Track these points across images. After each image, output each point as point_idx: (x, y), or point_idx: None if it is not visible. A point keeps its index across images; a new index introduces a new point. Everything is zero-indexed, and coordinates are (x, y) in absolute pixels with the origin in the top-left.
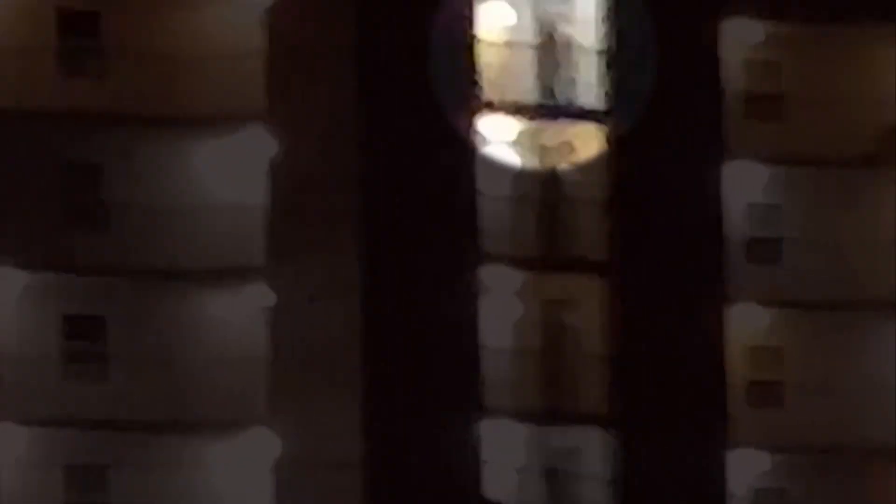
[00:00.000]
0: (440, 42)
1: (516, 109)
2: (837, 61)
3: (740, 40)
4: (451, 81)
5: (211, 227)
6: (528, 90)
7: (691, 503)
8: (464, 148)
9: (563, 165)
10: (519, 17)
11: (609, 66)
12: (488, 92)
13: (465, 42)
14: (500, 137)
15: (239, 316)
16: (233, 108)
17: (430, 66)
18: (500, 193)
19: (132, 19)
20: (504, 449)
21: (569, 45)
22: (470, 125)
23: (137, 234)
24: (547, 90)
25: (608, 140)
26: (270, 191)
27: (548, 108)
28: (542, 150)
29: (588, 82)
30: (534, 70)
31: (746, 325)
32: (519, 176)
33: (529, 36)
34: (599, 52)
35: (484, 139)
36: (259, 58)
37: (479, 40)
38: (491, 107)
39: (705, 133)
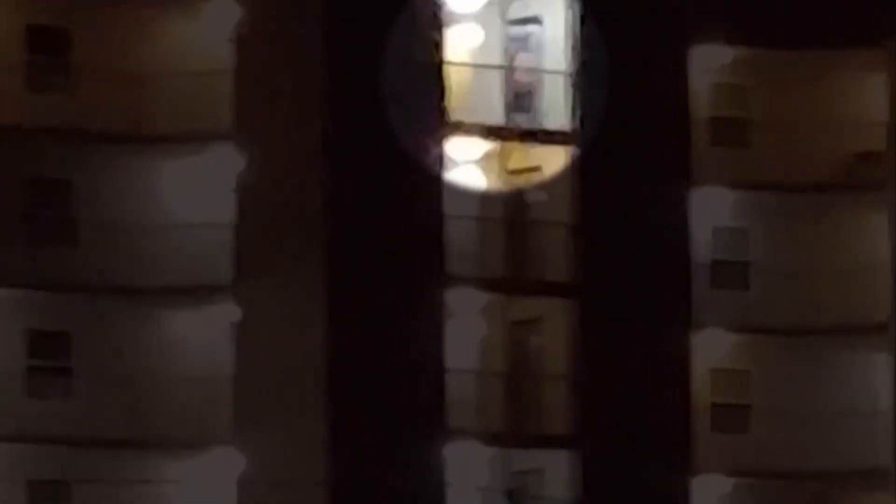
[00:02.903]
0: (407, 63)
1: (483, 131)
2: (803, 87)
3: (707, 65)
4: (418, 102)
5: (178, 245)
6: (494, 112)
7: None
8: (430, 169)
9: (529, 187)
10: (486, 39)
11: (575, 88)
12: (455, 113)
13: (432, 63)
14: (466, 159)
15: (204, 334)
16: (201, 126)
17: (398, 86)
18: (465, 214)
19: (101, 36)
20: (468, 470)
21: (535, 67)
22: (436, 146)
23: (104, 251)
24: (513, 112)
25: (574, 162)
26: (237, 209)
27: (514, 129)
28: (508, 172)
29: (554, 104)
30: (500, 92)
31: (711, 348)
32: (485, 198)
33: (496, 58)
34: (566, 75)
35: (450, 160)
36: (227, 76)
37: (446, 62)
38: (457, 128)
39: (671, 157)
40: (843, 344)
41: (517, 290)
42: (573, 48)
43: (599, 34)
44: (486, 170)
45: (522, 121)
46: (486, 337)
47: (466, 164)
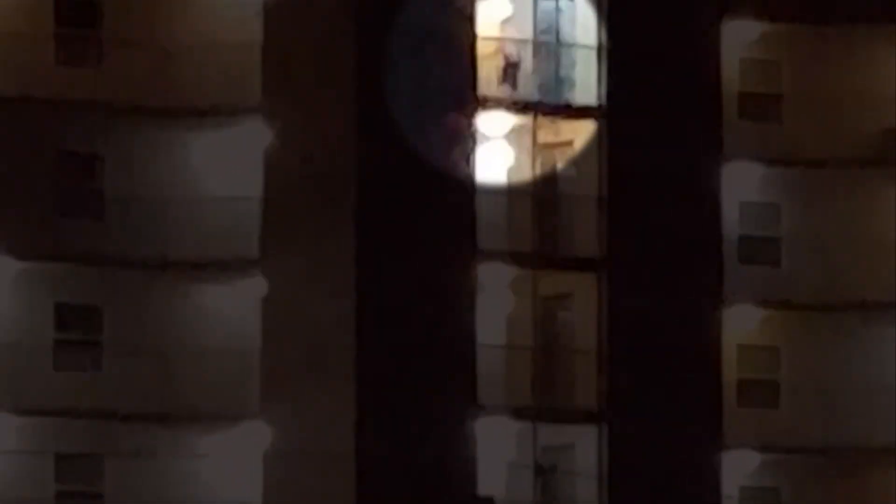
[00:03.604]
0: (437, 37)
1: (514, 105)
2: (833, 61)
3: (737, 40)
4: (448, 76)
5: (206, 218)
6: (525, 86)
7: (683, 500)
8: (460, 143)
9: (559, 162)
10: (517, 14)
11: (606, 63)
12: (485, 87)
13: (462, 37)
14: (496, 133)
15: (233, 307)
16: (229, 100)
17: (427, 60)
18: (495, 189)
19: (131, 9)
20: (496, 444)
21: (566, 41)
22: (467, 121)
23: (133, 224)
24: (544, 87)
25: (604, 137)
26: (266, 182)
27: (545, 104)
28: (539, 147)
29: (585, 79)
30: (531, 67)
31: (741, 324)
32: (515, 172)
33: (527, 32)
34: (597, 49)
35: (480, 135)
36: (256, 49)
37: (477, 36)
38: (488, 102)
39: (701, 132)
40: (873, 319)
41: (547, 264)
42: (603, 22)
43: (630, 9)
44: (515, 144)
45: (553, 95)
46: (515, 311)
47: (496, 138)
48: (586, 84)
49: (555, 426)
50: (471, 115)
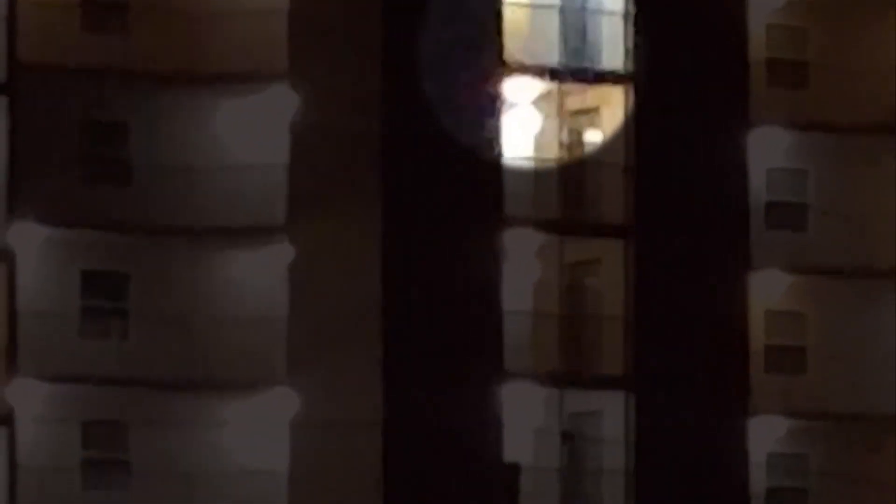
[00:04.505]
0: (464, 3)
1: (540, 72)
2: (860, 28)
3: (765, 6)
4: (475, 43)
5: (233, 185)
6: (552, 52)
7: (711, 467)
8: (487, 111)
9: (586, 128)
10: None
11: (633, 29)
12: (512, 54)
13: (489, 3)
14: (523, 100)
15: (260, 275)
16: (256, 66)
17: (454, 26)
18: (522, 156)
19: None
20: (523, 411)
21: (593, 7)
22: (494, 87)
23: (159, 192)
24: (571, 52)
25: (631, 103)
26: (292, 149)
27: (572, 70)
28: (566, 113)
29: (612, 45)
30: (558, 32)
31: (768, 289)
32: (541, 139)
33: None
34: (624, 15)
35: (507, 101)
36: (282, 16)
37: (503, 2)
38: (515, 69)
39: (728, 97)
40: None
41: (573, 231)
42: None
43: None
44: (542, 111)
45: (580, 61)
46: (541, 278)
47: (524, 104)
48: (613, 51)
49: (581, 393)
50: (497, 82)
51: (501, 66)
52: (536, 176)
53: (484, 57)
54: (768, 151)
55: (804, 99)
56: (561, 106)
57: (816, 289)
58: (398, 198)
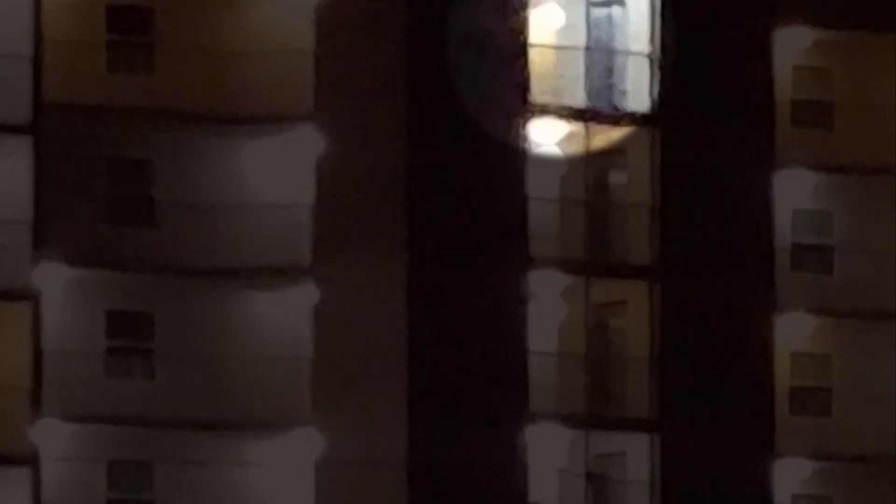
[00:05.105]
0: (490, 44)
1: (566, 113)
2: (885, 69)
3: (789, 47)
4: (501, 84)
5: (258, 226)
6: (577, 94)
7: None
8: (512, 150)
9: (611, 169)
10: (568, 21)
11: (658, 70)
12: (538, 95)
13: (515, 45)
14: (548, 140)
15: (285, 314)
16: (281, 107)
17: (480, 68)
18: (547, 197)
19: (183, 15)
20: (548, 452)
21: (619, 49)
22: (519, 128)
23: (184, 231)
24: (596, 93)
25: (657, 144)
26: (317, 190)
27: (597, 111)
28: (591, 154)
29: (638, 87)
30: (584, 73)
31: (793, 332)
32: (567, 179)
33: (580, 39)
34: (649, 57)
35: (533, 142)
36: (308, 56)
37: (530, 43)
38: (540, 110)
39: (754, 139)
40: None
41: (599, 272)
42: (656, 30)
43: (682, 16)
44: (568, 151)
45: (606, 103)
46: (567, 319)
47: (549, 145)
48: (639, 92)
49: (607, 434)
50: (523, 123)
51: (527, 107)
52: (562, 217)
53: (510, 98)
54: (794, 193)
55: (829, 140)
56: (586, 147)
57: (842, 331)
58: (424, 238)
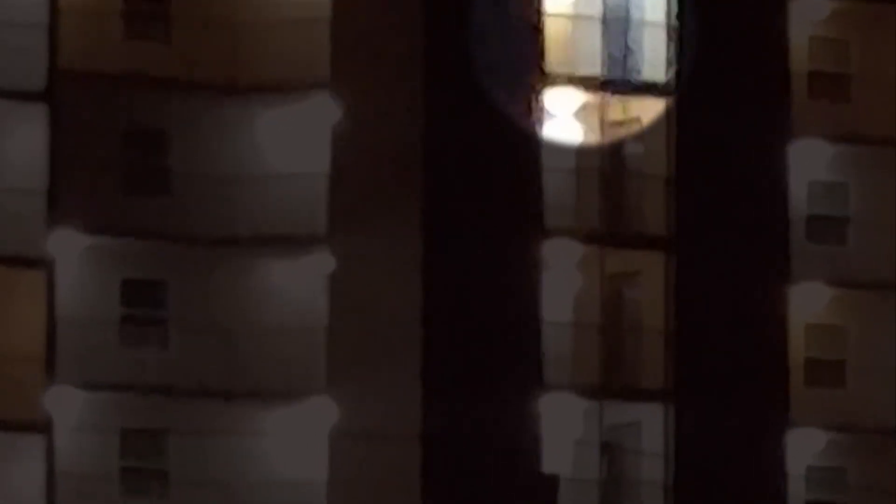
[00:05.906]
0: (506, 14)
1: (581, 83)
2: None
3: (806, 18)
4: (516, 54)
5: (273, 195)
6: (593, 63)
7: (749, 480)
8: (528, 120)
9: (627, 139)
10: None
11: (674, 40)
12: (553, 65)
13: (530, 15)
14: (564, 111)
15: (300, 284)
16: (297, 75)
17: (496, 37)
18: (563, 167)
19: None
20: (562, 422)
21: (636, 18)
22: (534, 98)
23: (199, 201)
24: (612, 63)
25: (672, 114)
26: (333, 159)
27: (613, 81)
28: (607, 124)
29: (654, 56)
30: (600, 43)
31: (808, 303)
32: (582, 150)
33: (596, 9)
34: (666, 26)
35: (548, 112)
36: (324, 25)
37: (545, 13)
38: (555, 80)
39: (770, 110)
40: None
41: (614, 242)
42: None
43: None
44: (583, 122)
45: (622, 72)
46: (582, 289)
47: (564, 116)
48: (655, 62)
49: (621, 404)
50: (539, 93)
51: (543, 77)
52: (578, 187)
53: (526, 66)
54: (809, 164)
55: (846, 111)
56: (602, 117)
57: (857, 302)
58: (439, 208)
